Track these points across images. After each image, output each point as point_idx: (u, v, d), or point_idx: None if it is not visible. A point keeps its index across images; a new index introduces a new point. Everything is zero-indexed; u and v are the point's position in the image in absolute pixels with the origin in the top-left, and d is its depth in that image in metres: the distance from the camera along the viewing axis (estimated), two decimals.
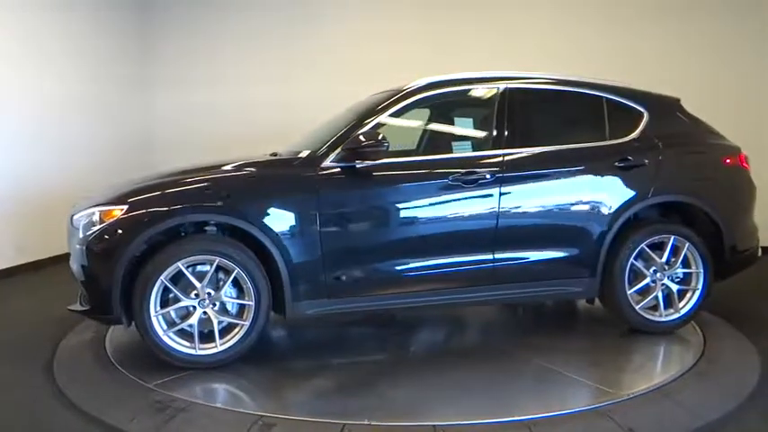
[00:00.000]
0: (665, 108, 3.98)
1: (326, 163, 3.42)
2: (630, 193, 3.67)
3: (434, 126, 4.16)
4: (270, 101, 7.25)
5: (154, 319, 3.20)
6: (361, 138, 3.36)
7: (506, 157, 3.57)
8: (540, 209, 3.64)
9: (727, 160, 3.94)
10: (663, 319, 3.76)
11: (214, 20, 7.65)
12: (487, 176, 3.50)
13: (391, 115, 3.61)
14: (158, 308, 3.21)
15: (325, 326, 4.19)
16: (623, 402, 2.90)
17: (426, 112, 4.07)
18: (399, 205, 3.51)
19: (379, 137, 3.35)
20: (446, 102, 3.94)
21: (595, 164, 3.67)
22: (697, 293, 3.79)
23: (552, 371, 3.31)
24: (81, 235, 3.27)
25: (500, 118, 3.67)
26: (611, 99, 3.87)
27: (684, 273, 3.81)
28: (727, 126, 4.16)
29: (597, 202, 3.66)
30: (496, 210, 3.52)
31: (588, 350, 3.75)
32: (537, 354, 3.53)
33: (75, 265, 3.34)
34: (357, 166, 3.41)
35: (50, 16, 6.35)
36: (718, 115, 4.24)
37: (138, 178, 3.64)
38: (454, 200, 3.52)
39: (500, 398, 3.01)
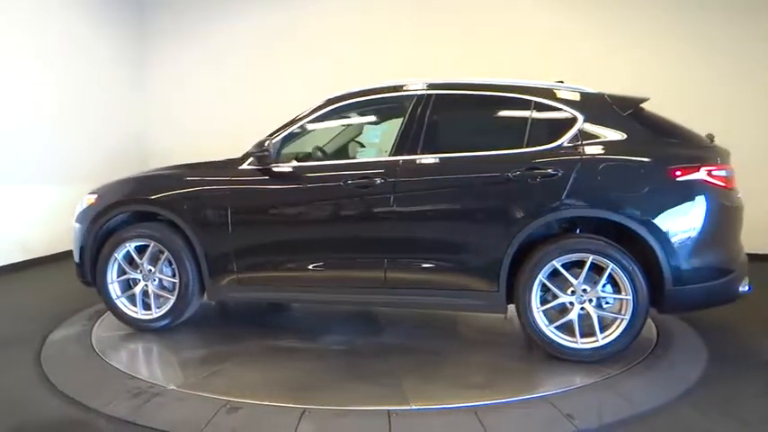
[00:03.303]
0: (610, 112, 3.50)
1: (243, 166, 3.88)
2: (535, 206, 3.40)
3: (346, 133, 4.28)
4: (273, 102, 7.29)
5: (110, 287, 4.08)
6: (265, 144, 3.75)
7: (401, 164, 3.59)
8: (433, 217, 3.60)
9: (677, 173, 3.31)
10: (576, 347, 3.40)
11: (215, 21, 7.90)
12: (378, 182, 3.58)
13: (308, 123, 3.90)
14: (113, 278, 4.07)
15: (304, 312, 4.60)
16: (567, 392, 3.09)
17: (348, 119, 4.22)
18: (299, 206, 3.81)
19: (266, 144, 3.69)
20: (360, 110, 4.08)
21: (495, 172, 3.44)
22: (624, 323, 3.35)
23: (504, 360, 3.55)
24: (75, 214, 4.28)
25: (406, 126, 3.67)
26: (541, 103, 3.58)
27: (615, 298, 3.39)
28: None
29: (495, 214, 3.47)
30: (388, 215, 3.58)
31: None
32: (492, 344, 3.86)
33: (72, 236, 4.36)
34: (267, 168, 3.81)
35: (50, 18, 6.62)
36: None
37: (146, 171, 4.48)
38: (348, 203, 3.67)
39: (450, 386, 3.18)
